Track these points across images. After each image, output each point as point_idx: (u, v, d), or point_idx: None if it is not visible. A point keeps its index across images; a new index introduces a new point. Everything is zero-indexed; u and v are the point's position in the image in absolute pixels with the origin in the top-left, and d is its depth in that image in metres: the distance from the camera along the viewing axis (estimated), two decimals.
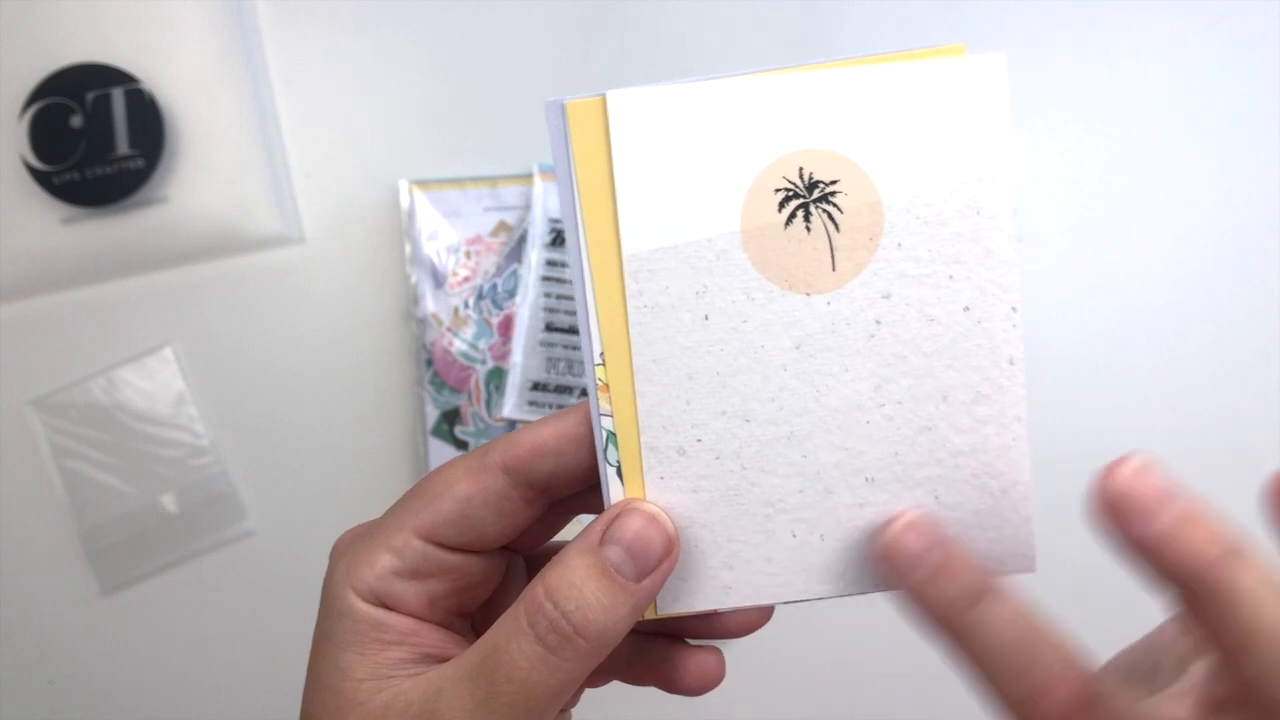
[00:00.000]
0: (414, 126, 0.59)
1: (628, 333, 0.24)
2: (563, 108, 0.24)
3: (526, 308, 0.56)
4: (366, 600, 0.24)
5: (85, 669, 0.59)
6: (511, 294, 0.57)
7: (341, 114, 0.59)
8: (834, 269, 0.24)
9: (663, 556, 0.24)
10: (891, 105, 0.24)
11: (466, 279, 0.57)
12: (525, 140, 0.58)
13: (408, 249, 0.57)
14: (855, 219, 0.24)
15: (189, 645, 0.58)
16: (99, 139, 0.56)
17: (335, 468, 0.58)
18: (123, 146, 0.57)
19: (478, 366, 0.57)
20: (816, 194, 0.24)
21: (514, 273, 0.57)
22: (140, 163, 0.57)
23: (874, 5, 0.58)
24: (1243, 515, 0.61)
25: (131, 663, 0.59)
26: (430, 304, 0.57)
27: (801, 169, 0.24)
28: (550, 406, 0.56)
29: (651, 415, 0.24)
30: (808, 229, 0.24)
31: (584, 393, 0.56)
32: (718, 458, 0.24)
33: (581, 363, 0.56)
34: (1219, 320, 0.57)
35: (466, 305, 0.57)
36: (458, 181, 0.57)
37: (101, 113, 0.56)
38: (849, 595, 0.25)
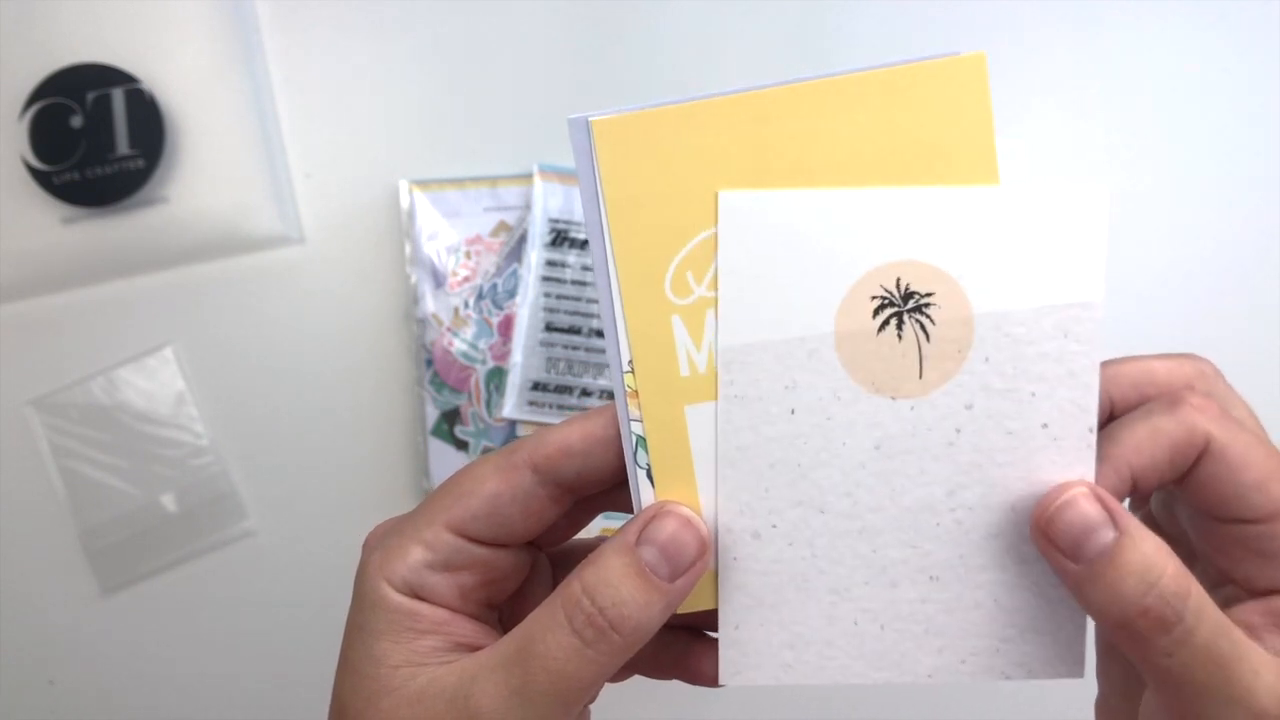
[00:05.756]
0: (414, 126, 0.59)
1: (661, 343, 0.25)
2: (588, 125, 0.25)
3: (526, 308, 0.56)
4: (400, 591, 0.25)
5: (85, 669, 0.59)
6: (511, 294, 0.57)
7: (341, 114, 0.59)
8: (920, 376, 0.25)
9: (696, 558, 0.24)
10: (994, 225, 0.24)
11: (466, 279, 0.57)
12: (525, 140, 0.58)
13: (408, 249, 0.57)
14: (946, 330, 0.25)
15: (189, 645, 0.59)
16: (99, 139, 0.56)
17: (335, 467, 0.58)
18: (123, 146, 0.57)
19: (478, 366, 0.57)
20: (911, 304, 0.25)
21: (514, 273, 0.57)
22: (140, 163, 0.57)
23: (876, 5, 0.58)
24: None
25: (131, 663, 0.59)
26: (430, 304, 0.57)
27: (899, 279, 0.25)
28: (550, 406, 0.57)
29: (731, 499, 0.26)
30: (899, 336, 0.25)
31: (584, 392, 0.56)
32: (790, 544, 0.26)
33: (582, 363, 0.56)
34: (1220, 320, 0.57)
35: (466, 305, 0.57)
36: (458, 181, 0.57)
37: (102, 113, 0.56)
38: (902, 683, 0.26)
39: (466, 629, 0.26)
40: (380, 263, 0.59)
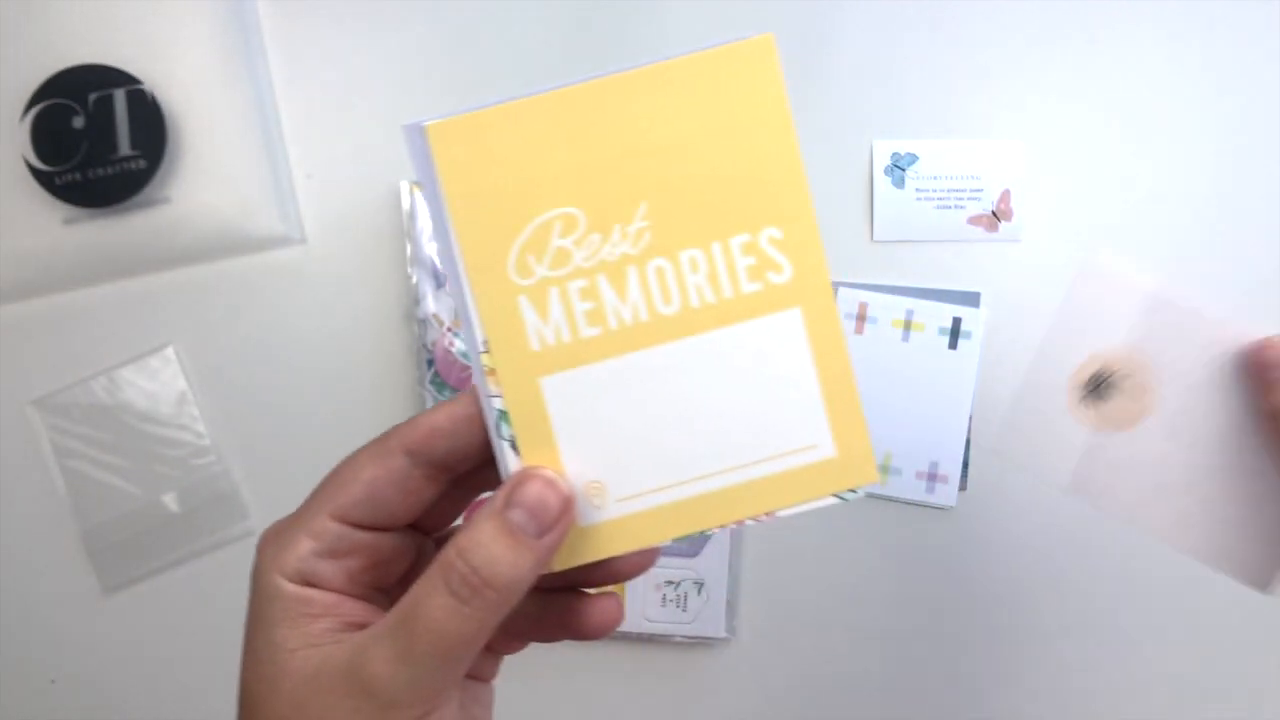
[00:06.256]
0: None
1: (511, 322, 0.27)
2: (423, 130, 0.27)
3: None
4: (292, 580, 0.27)
5: (86, 669, 0.59)
6: None
7: (343, 114, 0.59)
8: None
9: (560, 515, 0.26)
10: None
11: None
12: None
13: (409, 249, 0.57)
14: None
15: (190, 645, 0.59)
16: (101, 140, 0.56)
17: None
18: (124, 147, 0.57)
19: None
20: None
21: None
22: (142, 163, 0.57)
23: (868, 6, 0.58)
24: None
25: (132, 663, 0.59)
26: (431, 304, 0.57)
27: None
28: None
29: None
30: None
31: None
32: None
33: None
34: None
35: None
36: None
37: (103, 113, 0.57)
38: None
39: (357, 610, 0.27)
40: (381, 263, 0.59)
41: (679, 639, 0.57)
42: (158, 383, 0.59)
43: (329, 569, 0.27)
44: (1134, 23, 0.58)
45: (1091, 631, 0.57)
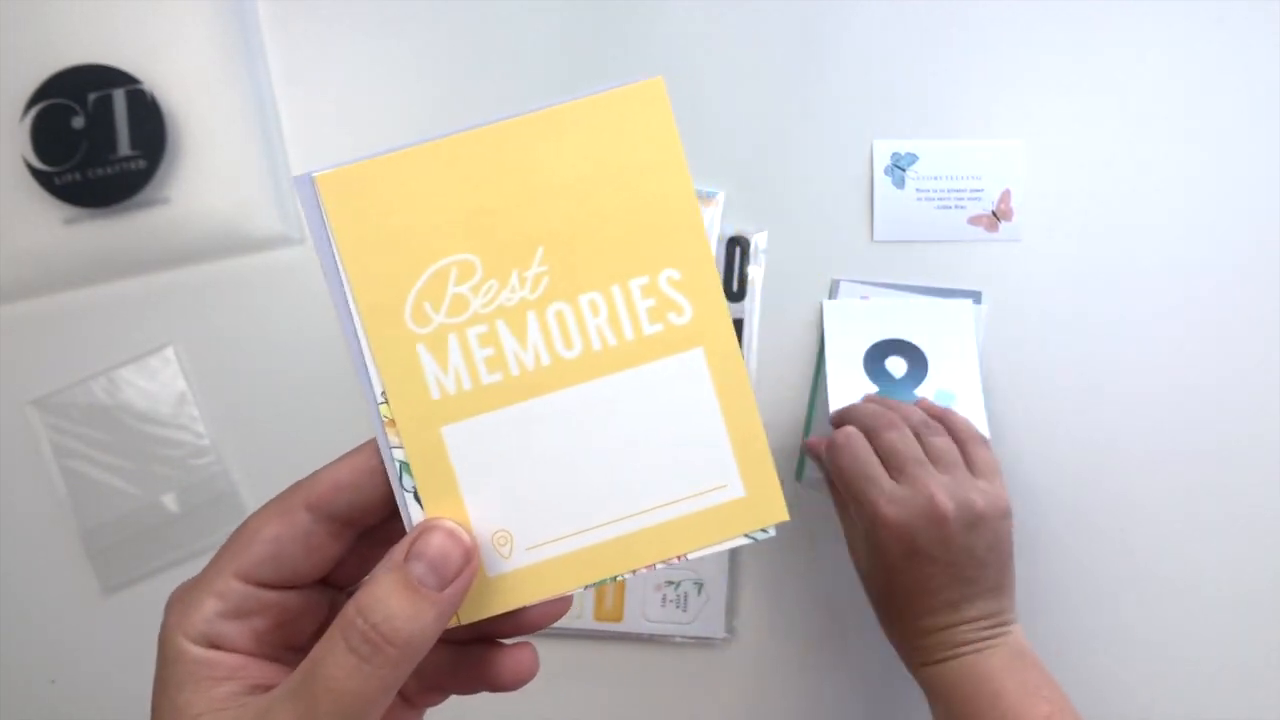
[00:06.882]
0: (414, 127, 0.59)
1: (409, 371, 0.27)
2: (312, 181, 0.27)
3: None
4: (196, 643, 0.26)
5: (85, 669, 0.59)
6: None
7: (342, 114, 0.59)
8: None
9: (462, 566, 0.26)
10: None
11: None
12: None
13: None
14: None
15: None
16: (100, 140, 0.56)
17: None
18: (124, 147, 0.57)
19: None
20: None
21: None
22: (141, 163, 0.57)
23: (868, 6, 0.58)
24: (1244, 511, 0.61)
25: (132, 663, 0.59)
26: None
27: None
28: None
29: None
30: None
31: None
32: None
33: None
34: (1220, 319, 0.57)
35: None
36: None
37: (103, 114, 0.57)
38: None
39: (264, 671, 0.27)
40: None
41: (679, 639, 0.57)
42: (157, 383, 0.59)
43: (234, 630, 0.27)
44: (1134, 23, 0.58)
45: (1108, 614, 0.57)
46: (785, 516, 0.27)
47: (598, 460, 0.27)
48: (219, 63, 0.58)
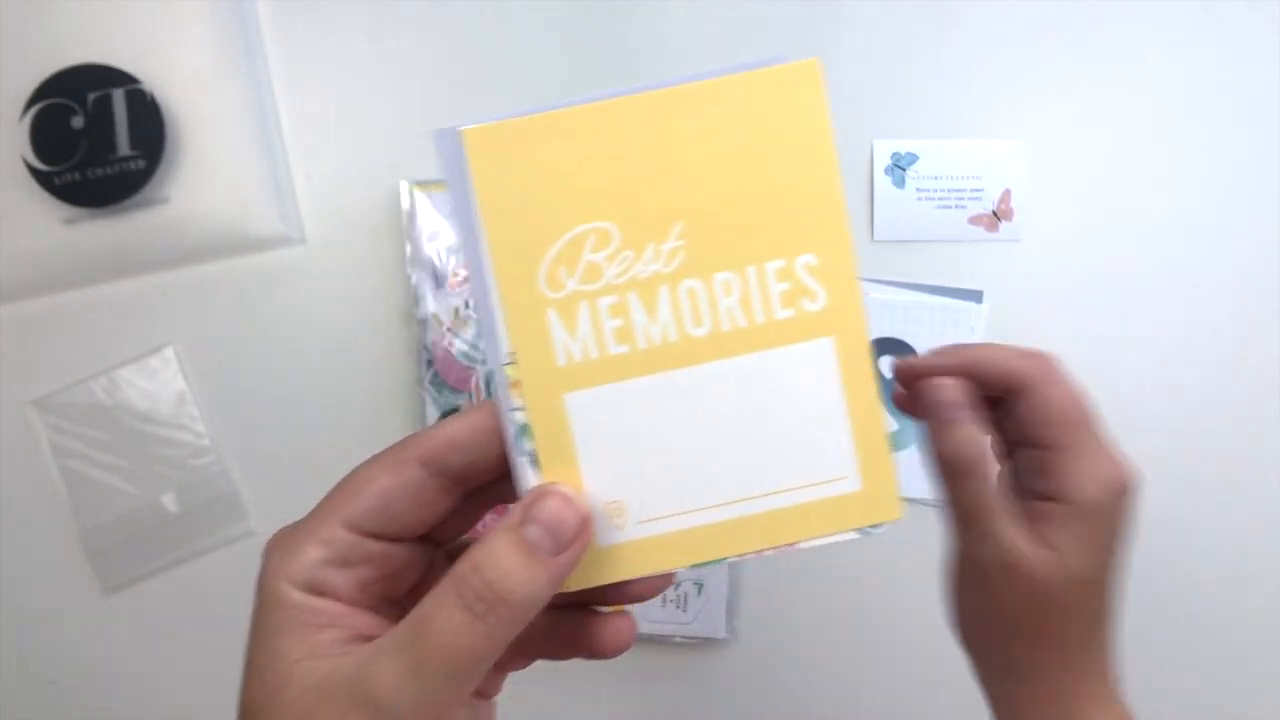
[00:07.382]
0: (414, 127, 0.59)
1: (538, 336, 0.27)
2: (458, 135, 0.26)
3: None
4: (299, 589, 0.26)
5: (85, 669, 0.59)
6: None
7: (342, 115, 0.59)
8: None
9: (577, 533, 0.26)
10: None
11: (467, 279, 0.57)
12: None
13: (408, 249, 0.57)
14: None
15: (189, 645, 0.59)
16: (100, 140, 0.56)
17: (336, 467, 0.58)
18: (124, 147, 0.57)
19: (478, 367, 0.57)
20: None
21: None
22: (141, 163, 0.57)
23: (869, 6, 0.58)
24: (1242, 509, 0.61)
25: (131, 663, 0.59)
26: (431, 304, 0.57)
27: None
28: None
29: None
30: None
31: None
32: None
33: None
34: (1220, 318, 0.57)
35: (467, 305, 0.57)
36: None
37: (102, 113, 0.56)
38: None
39: (366, 621, 0.27)
40: (381, 263, 0.59)
41: (679, 639, 0.57)
42: (157, 383, 0.59)
43: (339, 578, 0.26)
44: (1134, 23, 0.58)
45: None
46: (899, 515, 0.27)
47: (717, 441, 0.27)
48: (219, 63, 0.57)
